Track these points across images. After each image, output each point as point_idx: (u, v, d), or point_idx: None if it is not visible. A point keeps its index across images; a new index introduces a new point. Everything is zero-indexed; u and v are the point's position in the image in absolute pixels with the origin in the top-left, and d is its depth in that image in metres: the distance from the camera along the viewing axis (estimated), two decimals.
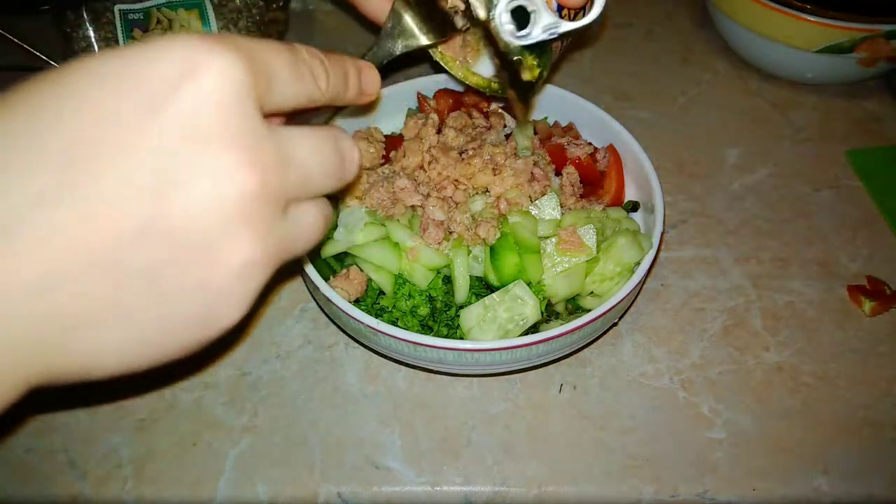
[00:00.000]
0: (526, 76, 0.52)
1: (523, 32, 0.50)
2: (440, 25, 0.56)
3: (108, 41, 0.70)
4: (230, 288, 0.26)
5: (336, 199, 0.60)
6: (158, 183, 0.24)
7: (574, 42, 0.76)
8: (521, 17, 0.51)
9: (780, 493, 0.52)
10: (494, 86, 0.62)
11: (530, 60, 0.52)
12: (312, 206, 0.31)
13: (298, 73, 0.30)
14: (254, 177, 0.25)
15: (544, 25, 0.50)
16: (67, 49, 0.72)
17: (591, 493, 0.52)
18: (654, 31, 0.89)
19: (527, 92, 0.54)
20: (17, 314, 0.23)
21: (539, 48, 0.53)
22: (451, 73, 0.62)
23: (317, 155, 0.30)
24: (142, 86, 0.24)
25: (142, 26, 0.70)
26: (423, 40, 0.55)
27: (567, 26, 0.50)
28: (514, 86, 0.53)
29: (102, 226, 0.23)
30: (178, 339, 0.26)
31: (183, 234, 0.25)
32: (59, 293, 0.23)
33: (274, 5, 0.77)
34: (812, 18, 0.72)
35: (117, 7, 0.70)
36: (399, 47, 0.53)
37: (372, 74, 0.40)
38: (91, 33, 0.70)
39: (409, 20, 0.54)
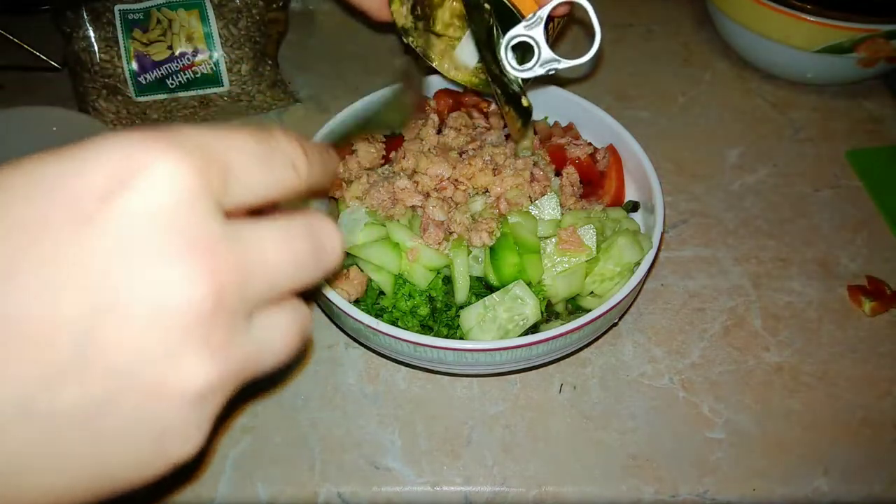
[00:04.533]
0: (524, 103, 0.56)
1: (525, 66, 0.56)
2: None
3: (108, 41, 0.70)
4: (183, 420, 0.23)
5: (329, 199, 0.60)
6: (87, 308, 0.21)
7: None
8: (522, 49, 0.56)
9: (780, 493, 0.52)
10: (475, 80, 0.63)
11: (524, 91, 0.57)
12: (284, 310, 0.27)
13: (268, 163, 0.26)
14: (205, 289, 0.22)
15: (544, 61, 0.55)
16: (67, 49, 0.72)
17: (591, 493, 0.52)
18: (654, 31, 0.89)
19: (525, 117, 0.57)
20: None
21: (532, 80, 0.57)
22: (438, 69, 0.63)
23: (288, 250, 0.26)
24: (71, 196, 0.21)
25: (142, 26, 0.70)
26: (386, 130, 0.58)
27: (565, 64, 0.56)
28: (514, 110, 0.56)
29: (23, 363, 0.20)
30: (122, 477, 0.24)
31: (120, 367, 0.21)
32: None
33: (274, 5, 0.77)
34: (812, 18, 0.72)
35: (117, 7, 0.70)
36: (356, 130, 0.55)
37: (336, 157, 0.34)
38: (91, 33, 0.70)
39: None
